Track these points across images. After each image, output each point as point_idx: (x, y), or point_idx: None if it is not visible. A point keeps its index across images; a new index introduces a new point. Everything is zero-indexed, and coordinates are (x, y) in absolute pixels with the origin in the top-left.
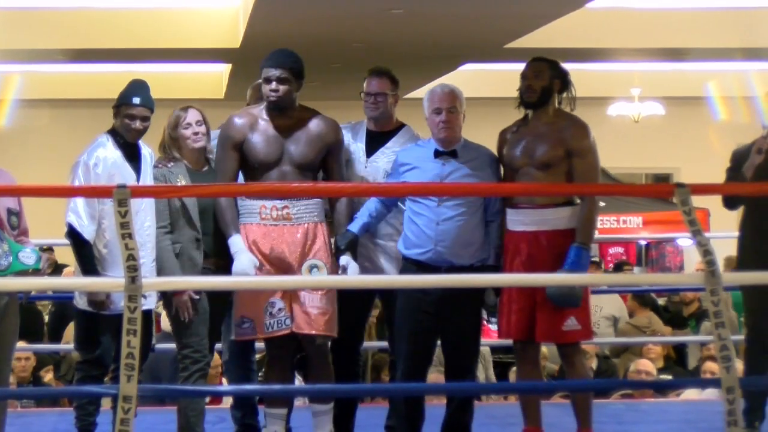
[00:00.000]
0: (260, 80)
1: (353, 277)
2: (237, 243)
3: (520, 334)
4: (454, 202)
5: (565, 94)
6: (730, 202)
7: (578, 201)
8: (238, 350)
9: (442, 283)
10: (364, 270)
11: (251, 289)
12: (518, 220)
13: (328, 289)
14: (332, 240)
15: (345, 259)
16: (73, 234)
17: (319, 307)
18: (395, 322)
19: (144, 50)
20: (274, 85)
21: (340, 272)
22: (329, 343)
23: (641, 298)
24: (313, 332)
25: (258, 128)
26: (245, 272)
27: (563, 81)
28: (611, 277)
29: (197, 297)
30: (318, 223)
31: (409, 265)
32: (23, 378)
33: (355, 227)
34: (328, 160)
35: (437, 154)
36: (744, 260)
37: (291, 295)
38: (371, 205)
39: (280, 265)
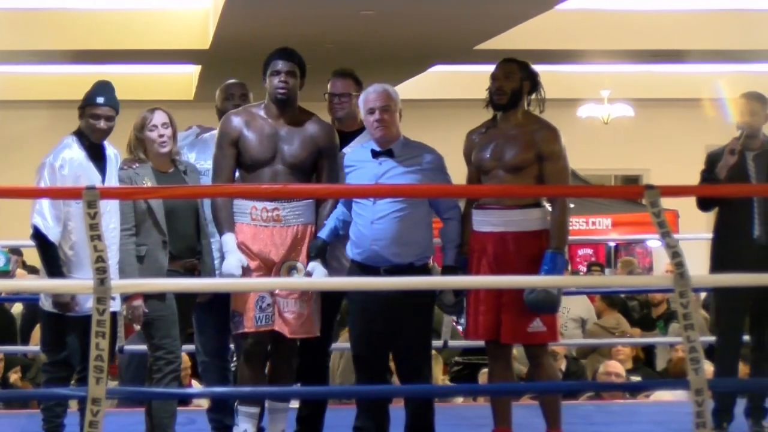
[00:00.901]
0: (229, 80)
1: (318, 279)
2: (228, 242)
3: (488, 334)
4: (389, 200)
5: (534, 96)
6: (703, 204)
7: (546, 203)
8: (213, 351)
9: (404, 286)
10: (332, 270)
11: (218, 291)
12: (485, 221)
13: (303, 290)
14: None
15: (312, 266)
16: (38, 236)
17: (293, 311)
18: (349, 326)
19: (113, 51)
20: (283, 77)
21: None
22: (297, 344)
23: (610, 299)
24: (289, 335)
25: (254, 126)
26: (232, 273)
27: (533, 82)
28: (579, 279)
29: (146, 311)
30: (308, 225)
31: (354, 268)
32: None
33: (324, 233)
34: (320, 163)
35: (374, 154)
36: (716, 262)
37: (273, 295)
38: (339, 209)
39: (267, 265)
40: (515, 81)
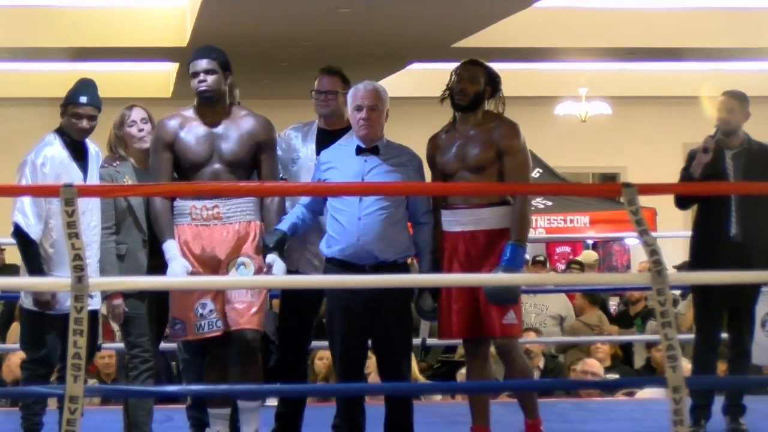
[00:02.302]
0: None
1: (280, 277)
2: (171, 249)
3: (463, 333)
4: (376, 197)
5: (494, 99)
6: (681, 202)
7: (511, 200)
8: (192, 350)
9: (376, 283)
10: (313, 269)
11: (192, 289)
12: (454, 221)
13: (258, 287)
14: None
15: (271, 257)
16: (19, 233)
17: (244, 301)
18: (327, 325)
19: (90, 49)
20: (201, 76)
21: (265, 270)
22: (268, 342)
23: (591, 296)
24: (242, 327)
25: (188, 128)
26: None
27: (494, 86)
28: (557, 277)
29: (126, 309)
30: (251, 221)
31: (332, 266)
32: None
33: (284, 226)
34: (259, 158)
35: (359, 150)
36: (694, 260)
37: (222, 296)
38: (298, 208)
39: (211, 264)
40: (479, 84)
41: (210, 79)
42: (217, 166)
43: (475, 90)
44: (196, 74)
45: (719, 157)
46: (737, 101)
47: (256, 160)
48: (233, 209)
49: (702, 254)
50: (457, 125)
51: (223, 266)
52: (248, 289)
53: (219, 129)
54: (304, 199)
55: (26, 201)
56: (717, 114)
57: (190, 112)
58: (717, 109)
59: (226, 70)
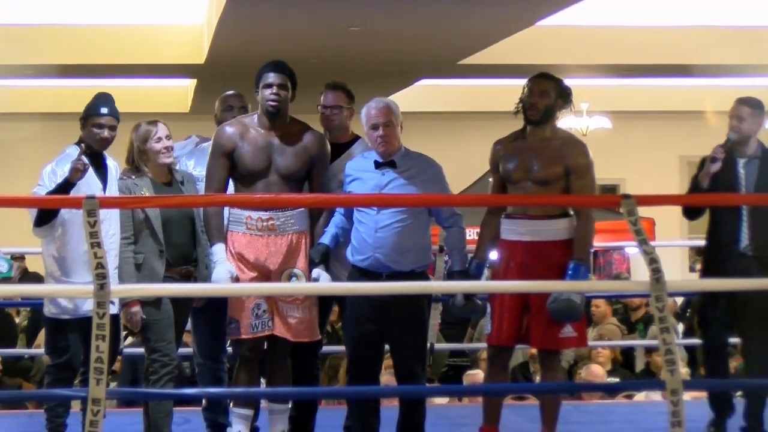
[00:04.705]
0: (228, 92)
1: (327, 284)
2: (218, 252)
3: (512, 340)
4: (392, 210)
5: (564, 111)
6: (689, 213)
7: (572, 213)
8: (209, 353)
9: (389, 290)
10: (332, 276)
11: (212, 296)
12: (512, 230)
13: (306, 295)
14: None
15: (316, 272)
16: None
17: (296, 316)
18: (344, 329)
19: (111, 66)
20: (275, 89)
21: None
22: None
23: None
24: (293, 339)
25: (248, 137)
26: (219, 282)
27: (565, 100)
28: (559, 284)
29: (144, 317)
30: (302, 233)
31: (355, 272)
32: None
33: (326, 239)
34: (312, 172)
35: (377, 165)
36: (705, 271)
37: (273, 301)
38: (337, 217)
39: (263, 273)
40: (550, 98)
41: (282, 94)
42: (272, 177)
43: (545, 104)
44: (269, 86)
45: (731, 166)
46: (749, 108)
47: (309, 174)
48: (287, 221)
49: (711, 265)
50: (526, 135)
51: (275, 275)
52: (296, 298)
53: (276, 142)
54: (340, 211)
55: (42, 190)
56: (729, 121)
57: (250, 121)
58: (729, 116)
59: (294, 89)
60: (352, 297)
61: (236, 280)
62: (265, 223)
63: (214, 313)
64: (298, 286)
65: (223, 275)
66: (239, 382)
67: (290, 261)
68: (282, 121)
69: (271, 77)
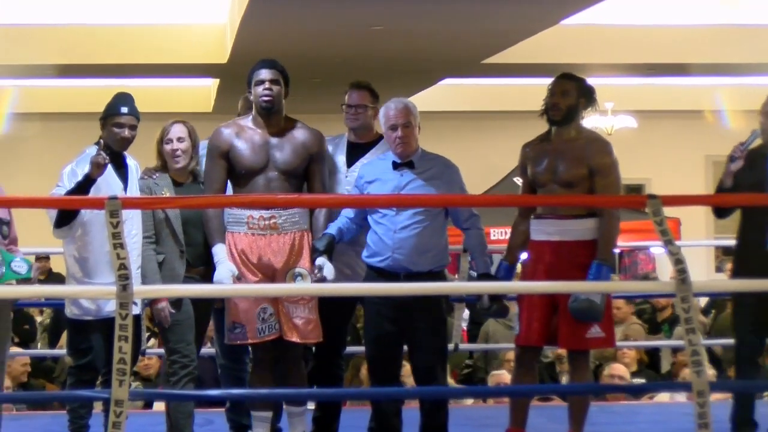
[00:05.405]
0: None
1: (316, 285)
2: (219, 252)
3: (541, 340)
4: (411, 211)
5: (589, 110)
6: (718, 211)
7: (600, 213)
8: (231, 354)
9: (408, 291)
10: (344, 277)
11: (234, 296)
12: (541, 230)
13: (310, 296)
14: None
15: (321, 260)
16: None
17: (303, 317)
18: (364, 330)
19: (134, 65)
20: (267, 85)
21: (316, 272)
22: (305, 348)
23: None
24: (300, 341)
25: (244, 136)
26: (222, 282)
27: (588, 99)
28: (584, 285)
29: (173, 310)
30: (304, 231)
31: (372, 273)
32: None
33: (332, 230)
34: (310, 169)
35: (395, 165)
36: (735, 271)
37: (277, 302)
38: (342, 219)
39: (268, 273)
40: (572, 98)
41: (275, 89)
42: (271, 174)
43: (567, 104)
44: (261, 82)
45: (760, 163)
46: None
47: (307, 171)
48: (289, 220)
49: (740, 265)
50: (552, 137)
51: (279, 275)
52: (301, 299)
53: (274, 139)
54: (348, 212)
55: (61, 191)
56: (760, 118)
57: (246, 122)
58: (760, 112)
59: (287, 85)
60: (370, 297)
61: (238, 279)
62: (267, 222)
63: None
64: (317, 287)
65: (225, 275)
66: (254, 385)
67: (294, 260)
68: (277, 119)
69: (263, 73)
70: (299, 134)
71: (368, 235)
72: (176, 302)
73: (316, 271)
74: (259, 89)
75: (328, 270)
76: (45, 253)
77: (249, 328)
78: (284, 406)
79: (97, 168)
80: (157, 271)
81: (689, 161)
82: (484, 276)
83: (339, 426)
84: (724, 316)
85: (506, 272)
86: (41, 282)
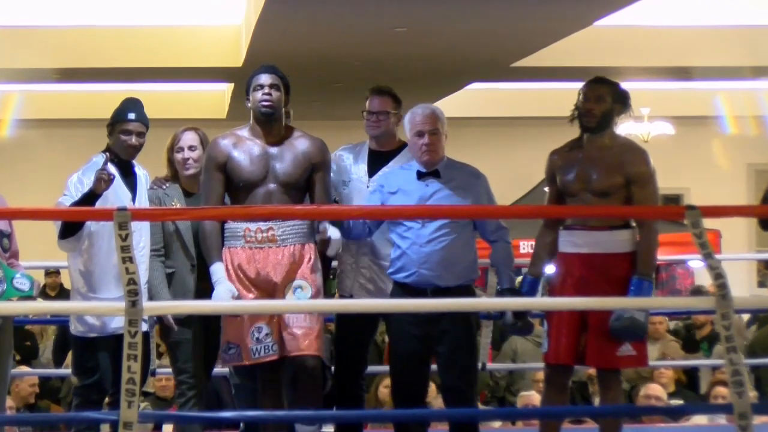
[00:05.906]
0: None
1: (366, 301)
2: (217, 272)
3: (570, 358)
4: (438, 223)
5: (623, 116)
6: (764, 223)
7: (634, 224)
8: (245, 373)
9: (434, 308)
10: (367, 293)
11: (246, 313)
12: (571, 242)
13: (314, 312)
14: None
15: (332, 230)
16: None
17: (302, 326)
18: (390, 348)
19: (145, 69)
20: (266, 89)
21: (319, 228)
22: (324, 367)
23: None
24: (303, 353)
25: (242, 147)
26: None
27: (623, 104)
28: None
29: (175, 327)
30: (305, 243)
31: (398, 288)
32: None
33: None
34: (313, 179)
35: (420, 175)
36: None
37: (278, 320)
38: (359, 226)
39: (266, 288)
40: (606, 103)
41: (275, 94)
42: (271, 186)
43: (602, 110)
44: (260, 87)
45: None
46: None
47: (309, 181)
48: (288, 231)
49: None
50: (583, 144)
51: (279, 290)
52: (305, 313)
53: (274, 149)
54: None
55: (67, 201)
56: None
57: (243, 132)
58: None
59: (287, 91)
60: (395, 314)
61: (238, 298)
62: (264, 234)
63: None
64: (342, 302)
65: (225, 296)
66: (263, 407)
67: (293, 274)
68: (277, 127)
69: (262, 78)
70: (300, 143)
71: (393, 249)
72: (185, 320)
73: (320, 228)
74: (258, 94)
75: (333, 230)
76: (54, 267)
77: (243, 348)
78: (296, 426)
79: (101, 183)
80: (165, 281)
81: (730, 170)
82: (508, 291)
83: None
84: (763, 333)
85: (530, 287)
86: (52, 299)
